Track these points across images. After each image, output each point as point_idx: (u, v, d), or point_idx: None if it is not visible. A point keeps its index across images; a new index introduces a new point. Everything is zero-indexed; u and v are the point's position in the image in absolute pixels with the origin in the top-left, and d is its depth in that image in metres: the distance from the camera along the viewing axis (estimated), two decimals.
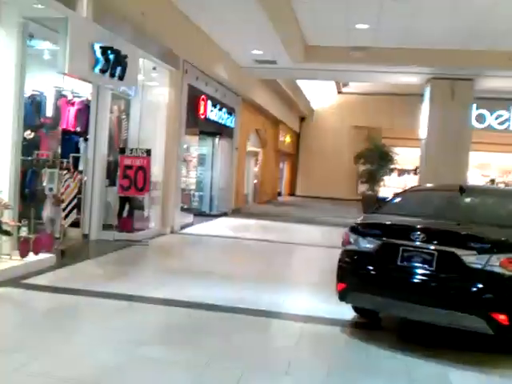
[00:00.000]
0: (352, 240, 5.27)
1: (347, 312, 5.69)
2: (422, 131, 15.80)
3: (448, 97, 14.92)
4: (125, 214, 10.41)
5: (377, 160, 22.28)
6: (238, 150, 17.50)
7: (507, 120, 24.75)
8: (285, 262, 9.67)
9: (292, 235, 13.09)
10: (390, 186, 24.62)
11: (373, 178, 22.65)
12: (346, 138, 29.50)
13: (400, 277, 4.86)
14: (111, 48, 8.54)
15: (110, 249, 9.12)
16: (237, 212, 17.46)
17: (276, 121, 23.88)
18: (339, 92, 28.87)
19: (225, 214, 16.34)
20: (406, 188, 7.22)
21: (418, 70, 14.47)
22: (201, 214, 15.24)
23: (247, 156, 20.07)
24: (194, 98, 12.87)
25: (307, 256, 10.17)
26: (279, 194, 28.23)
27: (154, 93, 11.46)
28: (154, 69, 11.21)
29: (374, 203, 22.14)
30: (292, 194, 30.22)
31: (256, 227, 14.32)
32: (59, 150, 8.16)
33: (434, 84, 15.07)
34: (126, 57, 9.06)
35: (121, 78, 9.05)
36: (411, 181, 29.74)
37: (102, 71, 8.47)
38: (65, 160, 8.40)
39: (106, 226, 10.09)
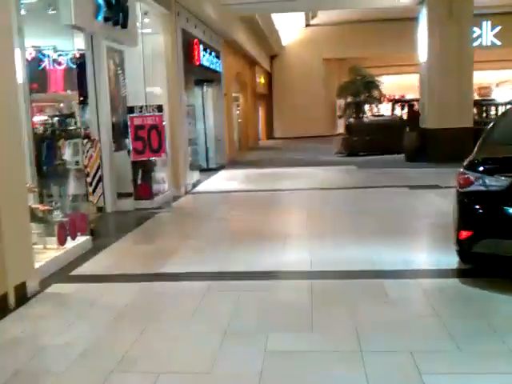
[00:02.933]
0: (474, 180, 4.58)
1: (445, 260, 5.28)
2: (421, 54, 15.04)
3: (446, 16, 14.12)
4: (139, 179, 9.43)
5: (362, 91, 21.55)
6: (226, 95, 16.41)
7: (479, 36, 24.31)
8: (335, 210, 8.70)
9: (309, 180, 12.31)
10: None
11: (359, 110, 21.97)
12: (319, 73, 28.53)
13: None
14: None
15: (135, 221, 8.26)
16: (233, 162, 16.55)
17: (252, 62, 22.69)
18: (307, 25, 27.62)
19: (222, 167, 15.41)
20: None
21: None
22: (198, 169, 14.23)
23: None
24: (187, 43, 11.67)
25: (349, 201, 9.46)
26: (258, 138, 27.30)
27: (149, 41, 10.23)
28: (146, 14, 9.98)
29: None
30: (270, 137, 29.28)
31: (267, 176, 13.41)
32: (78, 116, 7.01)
33: (431, 3, 14.21)
34: (126, 0, 7.87)
35: (124, 25, 7.89)
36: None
37: (106, 19, 7.30)
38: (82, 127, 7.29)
39: (119, 195, 9.16)
